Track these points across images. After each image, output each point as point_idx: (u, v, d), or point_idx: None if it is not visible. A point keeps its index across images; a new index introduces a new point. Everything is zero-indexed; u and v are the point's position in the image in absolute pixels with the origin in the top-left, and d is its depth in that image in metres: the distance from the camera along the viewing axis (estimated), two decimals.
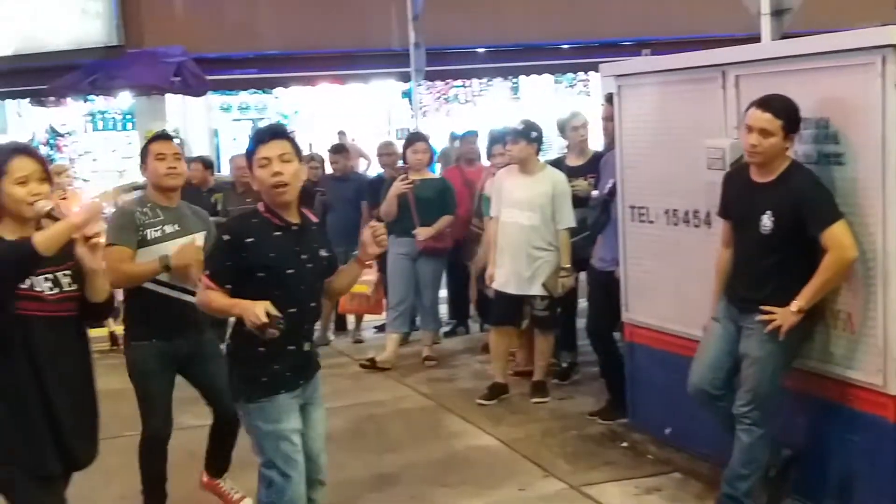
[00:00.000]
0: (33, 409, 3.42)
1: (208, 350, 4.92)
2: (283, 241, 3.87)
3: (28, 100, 18.56)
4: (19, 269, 3.30)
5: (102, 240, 3.44)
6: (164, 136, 5.19)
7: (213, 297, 3.83)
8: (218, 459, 5.19)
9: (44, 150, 18.74)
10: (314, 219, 4.13)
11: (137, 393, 4.85)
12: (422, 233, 7.83)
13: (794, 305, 4.32)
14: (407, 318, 8.28)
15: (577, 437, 6.17)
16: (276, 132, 3.98)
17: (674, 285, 5.56)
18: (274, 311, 3.63)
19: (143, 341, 4.82)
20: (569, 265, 6.74)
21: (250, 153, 3.90)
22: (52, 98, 17.35)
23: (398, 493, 5.42)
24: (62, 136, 19.00)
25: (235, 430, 4.82)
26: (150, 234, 4.77)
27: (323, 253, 4.03)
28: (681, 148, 5.38)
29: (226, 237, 3.91)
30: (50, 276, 3.44)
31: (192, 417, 5.57)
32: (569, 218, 6.72)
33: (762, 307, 4.38)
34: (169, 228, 4.82)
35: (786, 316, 4.33)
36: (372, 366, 7.99)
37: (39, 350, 3.41)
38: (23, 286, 3.36)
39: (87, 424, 3.63)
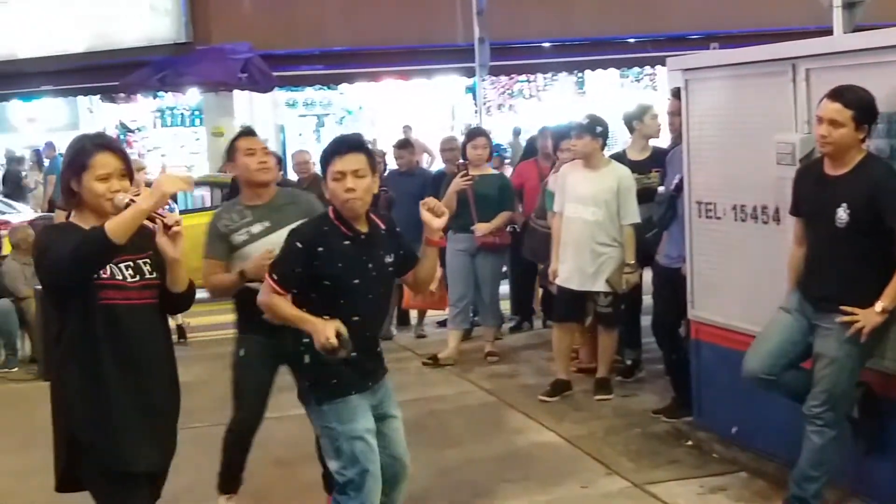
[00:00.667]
0: (118, 401, 3.41)
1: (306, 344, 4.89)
2: (351, 251, 3.88)
3: (99, 96, 18.93)
4: (94, 258, 3.29)
5: (181, 228, 3.38)
6: (249, 132, 5.13)
7: (279, 303, 3.88)
8: (324, 472, 5.10)
9: None
10: (382, 225, 4.10)
11: (233, 382, 4.89)
12: (480, 228, 7.81)
13: (878, 306, 4.22)
14: (467, 314, 8.28)
15: (641, 434, 6.11)
16: (354, 145, 3.98)
17: (741, 283, 5.47)
18: (344, 332, 3.67)
19: (245, 334, 4.83)
20: (633, 261, 6.67)
21: (325, 161, 3.92)
22: (122, 94, 17.66)
23: (460, 488, 5.41)
24: (132, 131, 19.38)
25: None
26: (236, 238, 4.77)
27: (388, 259, 4.04)
28: (750, 143, 5.29)
29: (298, 244, 3.90)
30: (130, 263, 3.44)
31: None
32: (634, 213, 6.65)
33: (843, 308, 4.28)
34: (256, 228, 4.79)
35: (869, 317, 4.23)
36: (435, 363, 7.99)
37: (123, 339, 3.41)
38: (104, 275, 3.36)
39: (170, 417, 3.62)
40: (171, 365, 3.63)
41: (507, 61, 16.28)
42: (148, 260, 3.49)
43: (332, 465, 3.97)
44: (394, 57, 16.44)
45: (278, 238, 4.72)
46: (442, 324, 9.38)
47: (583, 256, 6.69)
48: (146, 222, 3.33)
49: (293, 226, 4.67)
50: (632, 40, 17.35)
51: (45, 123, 20.75)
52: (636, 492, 5.25)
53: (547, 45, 17.22)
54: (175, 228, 3.36)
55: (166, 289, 3.52)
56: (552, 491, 5.33)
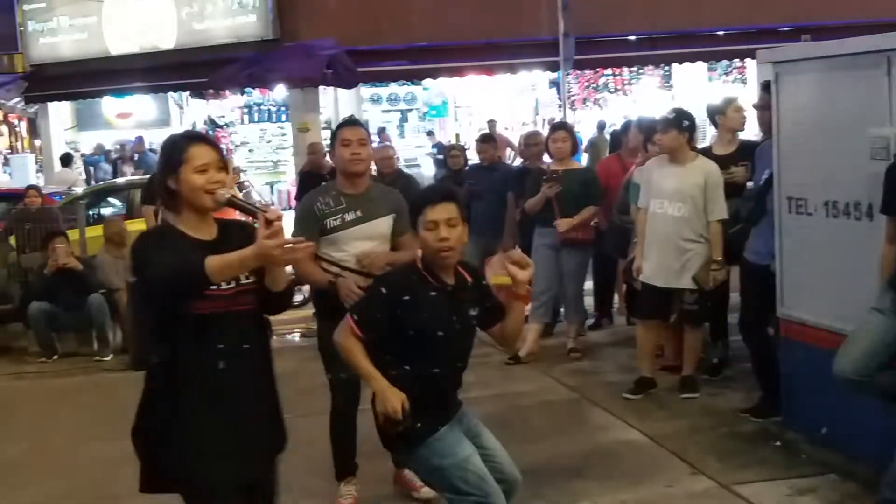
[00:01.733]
0: (216, 415, 3.30)
1: None
2: (437, 302, 3.83)
3: (188, 92, 19.31)
4: (191, 292, 3.20)
5: (282, 223, 3.22)
6: (351, 122, 5.19)
7: (354, 349, 3.81)
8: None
9: None
10: (468, 276, 4.03)
11: (325, 367, 5.00)
12: (562, 224, 7.74)
13: None
14: (549, 309, 8.22)
15: (728, 434, 6.01)
16: (446, 194, 3.94)
17: (833, 281, 5.35)
18: (407, 407, 3.69)
19: (326, 320, 4.85)
20: (720, 257, 6.56)
21: (417, 210, 3.88)
22: (210, 91, 17.97)
23: (542, 485, 5.38)
24: (220, 127, 19.72)
25: None
26: (330, 223, 4.84)
27: (472, 312, 3.99)
28: (842, 137, 5.16)
29: (383, 290, 3.86)
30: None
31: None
32: (721, 209, 6.54)
33: None
34: (349, 216, 4.86)
35: None
36: (517, 362, 7.96)
37: (217, 351, 3.29)
38: None
39: (263, 427, 3.46)
40: (266, 372, 3.49)
41: (593, 55, 16.14)
42: None
43: (453, 499, 3.91)
44: (478, 52, 16.43)
45: (369, 228, 4.87)
46: (524, 320, 9.35)
47: (668, 253, 6.60)
48: (242, 216, 3.32)
49: (385, 218, 4.77)
50: (721, 33, 17.05)
51: (137, 119, 21.27)
52: (722, 492, 5.17)
53: (633, 38, 17.02)
54: (277, 223, 3.20)
55: (265, 290, 3.37)
56: (636, 490, 5.27)
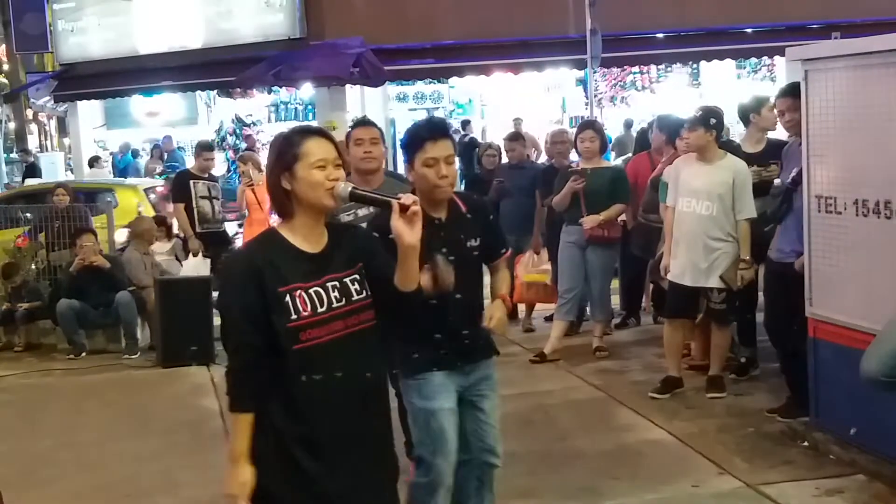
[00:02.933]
0: (322, 470, 2.96)
1: None
2: (424, 236, 3.83)
3: (216, 91, 19.39)
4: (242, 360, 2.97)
5: (419, 208, 2.99)
6: (363, 122, 5.36)
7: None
8: (406, 439, 5.29)
9: (230, 140, 19.58)
10: (465, 208, 4.09)
11: None
12: (588, 221, 7.71)
13: None
14: (574, 307, 8.18)
15: (755, 434, 5.97)
16: (445, 131, 4.03)
17: (862, 280, 5.29)
18: (439, 269, 3.62)
19: None
20: (748, 257, 6.51)
21: (416, 146, 3.94)
22: (238, 89, 18.04)
23: (567, 484, 5.37)
24: (248, 125, 19.79)
25: None
26: (343, 218, 4.92)
27: (471, 243, 4.04)
28: (873, 135, 5.11)
29: (375, 234, 3.81)
30: (336, 283, 3.01)
31: None
32: (750, 208, 6.49)
33: None
34: (362, 211, 4.95)
35: None
36: (542, 360, 7.94)
37: (321, 386, 2.95)
38: (304, 312, 2.93)
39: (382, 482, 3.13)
40: (383, 401, 3.17)
41: (620, 52, 16.05)
42: (357, 276, 3.06)
43: (413, 435, 4.13)
44: (504, 50, 16.40)
45: None
46: (550, 318, 9.32)
47: (695, 251, 6.56)
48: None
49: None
50: (749, 30, 16.91)
51: (165, 118, 21.37)
52: (749, 492, 5.13)
53: (661, 35, 16.91)
54: (414, 208, 2.96)
55: (387, 292, 3.07)
56: (662, 489, 5.25)
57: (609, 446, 5.97)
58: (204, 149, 10.38)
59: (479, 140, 17.46)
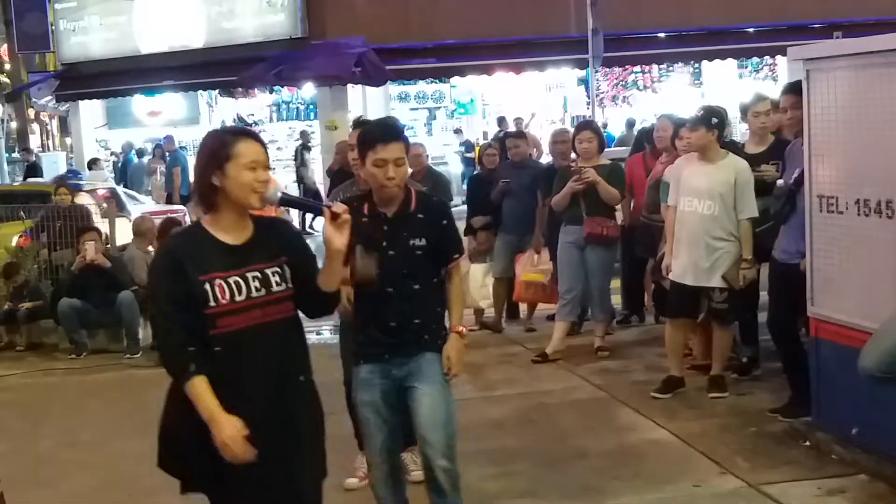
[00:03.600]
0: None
1: None
2: (366, 228, 4.00)
3: (218, 91, 19.41)
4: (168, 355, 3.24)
5: (349, 217, 3.23)
6: (356, 125, 5.38)
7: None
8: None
9: None
10: (417, 209, 4.15)
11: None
12: (590, 173, 7.63)
13: None
14: (575, 307, 8.17)
15: (757, 434, 5.96)
16: (398, 134, 4.11)
17: (864, 279, 5.28)
18: (356, 261, 3.82)
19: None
20: (750, 256, 6.50)
21: (367, 146, 4.04)
22: (240, 89, 18.07)
23: (569, 484, 5.36)
24: (249, 125, 19.80)
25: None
26: None
27: (415, 242, 4.10)
28: (875, 135, 5.09)
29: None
30: (258, 274, 3.21)
31: None
32: (751, 207, 6.48)
33: None
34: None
35: None
36: (544, 360, 7.93)
37: (240, 367, 3.18)
38: (222, 299, 3.14)
39: (303, 445, 3.33)
40: (300, 385, 3.35)
41: (622, 52, 16.07)
42: (278, 269, 3.25)
43: None
44: (506, 49, 16.42)
45: None
46: (552, 317, 9.31)
47: (697, 251, 6.56)
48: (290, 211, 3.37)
49: None
50: (751, 30, 16.94)
51: (167, 117, 21.40)
52: (750, 492, 5.12)
53: (662, 35, 16.94)
54: (344, 216, 3.20)
55: (310, 291, 3.28)
56: (663, 489, 5.25)
57: (611, 446, 5.96)
58: None
59: (480, 141, 17.43)
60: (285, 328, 3.27)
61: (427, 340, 4.19)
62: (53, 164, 24.13)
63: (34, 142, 40.93)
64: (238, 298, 3.15)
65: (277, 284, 3.23)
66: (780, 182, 6.45)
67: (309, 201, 3.49)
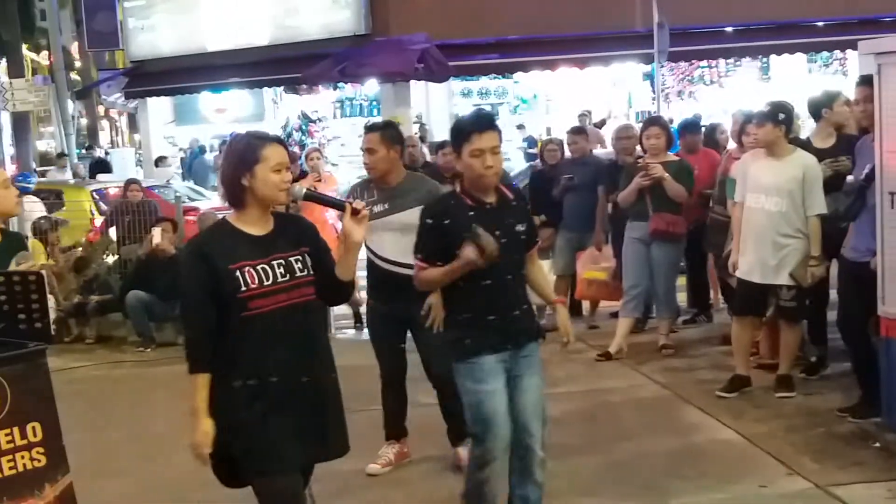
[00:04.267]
0: (253, 409, 3.50)
1: (416, 317, 5.17)
2: (476, 220, 4.12)
3: (283, 87, 19.58)
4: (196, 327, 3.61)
5: (367, 213, 3.60)
6: (367, 129, 5.56)
7: (426, 276, 4.23)
8: (448, 425, 5.47)
9: (296, 136, 19.76)
10: (511, 196, 4.33)
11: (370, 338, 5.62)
12: (658, 168, 7.57)
13: None
14: (640, 303, 8.10)
15: (825, 434, 5.85)
16: (492, 123, 4.23)
17: None
18: (480, 239, 3.97)
19: (368, 299, 5.61)
20: (819, 253, 6.39)
21: (463, 137, 4.15)
22: (304, 86, 18.20)
23: (631, 482, 5.32)
24: (313, 121, 19.96)
25: (447, 393, 5.02)
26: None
27: (519, 227, 4.25)
28: None
29: (428, 221, 4.22)
30: (282, 261, 3.55)
31: (425, 395, 5.71)
32: (820, 204, 6.37)
33: None
34: (378, 208, 5.26)
35: None
36: (608, 358, 7.87)
37: (264, 345, 3.51)
38: (251, 284, 3.48)
39: (320, 411, 3.65)
40: (322, 357, 3.69)
41: (688, 46, 15.88)
42: (300, 257, 3.59)
43: (466, 416, 4.28)
44: (570, 44, 16.31)
45: (395, 220, 5.23)
46: (615, 315, 9.25)
47: (764, 248, 6.46)
48: (330, 211, 3.58)
49: (409, 211, 5.04)
50: (820, 23, 16.62)
51: (233, 114, 21.65)
52: (818, 493, 5.04)
53: (730, 29, 16.70)
54: (364, 212, 3.54)
55: (327, 280, 3.62)
56: (729, 489, 5.18)
57: (675, 445, 5.90)
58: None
59: (543, 137, 17.35)
60: (308, 309, 3.62)
61: (534, 329, 4.33)
62: (122, 161, 24.58)
63: (104, 138, 41.75)
64: (266, 283, 3.50)
65: (300, 270, 3.58)
66: (849, 178, 6.33)
67: (331, 198, 3.80)
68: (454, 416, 5.08)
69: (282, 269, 3.54)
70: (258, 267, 3.50)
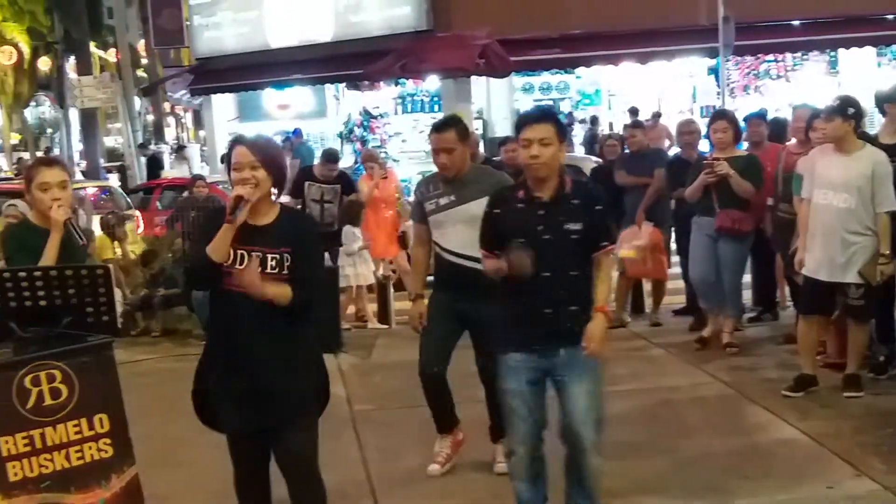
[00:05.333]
0: (217, 372, 4.07)
1: (483, 312, 4.98)
2: (522, 214, 4.18)
3: (344, 84, 19.67)
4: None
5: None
6: (440, 128, 5.43)
7: (488, 265, 4.32)
8: (491, 421, 5.41)
9: (357, 132, 19.85)
10: (572, 193, 4.27)
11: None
12: (723, 166, 7.48)
13: None
14: (712, 294, 7.96)
15: (894, 435, 5.74)
16: (545, 115, 4.29)
17: None
18: (512, 254, 4.09)
19: (435, 292, 5.48)
20: (888, 251, 6.25)
21: (517, 129, 4.25)
22: (365, 82, 18.27)
23: (695, 481, 5.26)
24: (375, 118, 20.00)
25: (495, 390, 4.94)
26: (427, 206, 5.33)
27: (571, 227, 4.18)
28: None
29: (486, 210, 4.38)
30: (259, 253, 3.85)
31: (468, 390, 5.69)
32: (890, 200, 6.23)
33: None
34: (443, 200, 5.29)
35: None
36: (703, 345, 7.85)
37: (232, 319, 3.90)
38: (226, 263, 3.83)
39: (271, 387, 3.95)
40: (280, 345, 3.92)
41: (753, 41, 15.64)
42: (277, 256, 3.85)
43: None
44: (633, 39, 16.16)
45: (462, 211, 5.19)
46: (678, 312, 9.17)
47: (832, 246, 6.34)
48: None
49: (475, 202, 5.02)
50: (890, 17, 16.26)
51: (296, 110, 21.81)
52: (887, 495, 4.94)
53: (797, 23, 16.41)
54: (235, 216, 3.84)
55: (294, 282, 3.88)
56: (795, 490, 5.10)
57: (738, 444, 5.82)
58: (328, 160, 10.42)
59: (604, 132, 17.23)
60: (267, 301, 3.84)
61: (573, 332, 4.19)
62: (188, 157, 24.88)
63: (169, 135, 42.35)
64: (238, 266, 3.81)
65: (272, 268, 3.85)
66: None
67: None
68: (497, 413, 5.03)
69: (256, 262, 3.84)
70: (237, 250, 3.83)
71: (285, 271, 3.85)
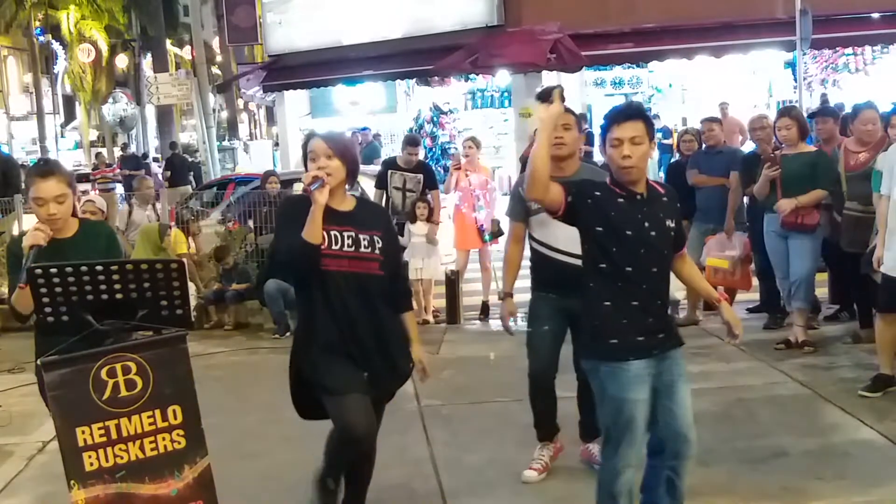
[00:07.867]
0: (321, 344, 4.24)
1: None
2: (625, 206, 3.98)
3: (415, 80, 19.73)
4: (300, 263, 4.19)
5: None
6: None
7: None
8: (582, 419, 5.37)
9: (428, 128, 19.88)
10: (662, 191, 4.16)
11: (527, 335, 5.29)
12: (782, 204, 7.41)
13: None
14: (798, 291, 7.80)
15: None
16: (633, 113, 4.04)
17: None
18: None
19: (538, 292, 5.28)
20: None
21: (605, 128, 4.04)
22: (436, 77, 18.29)
23: (768, 482, 5.17)
24: (445, 113, 20.02)
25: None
26: (533, 205, 5.05)
27: (669, 223, 4.07)
28: None
29: (568, 199, 4.01)
30: (352, 234, 4.15)
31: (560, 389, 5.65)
32: None
33: None
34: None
35: None
36: (788, 346, 7.71)
37: (333, 298, 4.14)
38: (323, 244, 4.09)
39: (374, 356, 4.25)
40: (377, 322, 4.21)
41: (831, 34, 15.31)
42: (369, 238, 4.16)
43: (601, 419, 4.12)
44: (707, 33, 15.92)
45: None
46: (752, 310, 9.02)
47: None
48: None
49: None
50: None
51: (366, 106, 21.93)
52: None
53: (876, 15, 16.03)
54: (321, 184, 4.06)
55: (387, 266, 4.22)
56: (871, 492, 4.98)
57: (813, 445, 5.71)
58: (409, 143, 10.46)
59: (679, 128, 16.99)
60: (367, 279, 4.17)
61: (677, 333, 4.15)
62: (261, 153, 25.18)
63: (243, 131, 42.92)
64: (334, 247, 4.10)
65: (365, 247, 4.15)
66: None
67: None
68: (592, 412, 4.95)
69: (349, 241, 4.14)
70: (331, 232, 4.10)
71: (376, 252, 4.16)
